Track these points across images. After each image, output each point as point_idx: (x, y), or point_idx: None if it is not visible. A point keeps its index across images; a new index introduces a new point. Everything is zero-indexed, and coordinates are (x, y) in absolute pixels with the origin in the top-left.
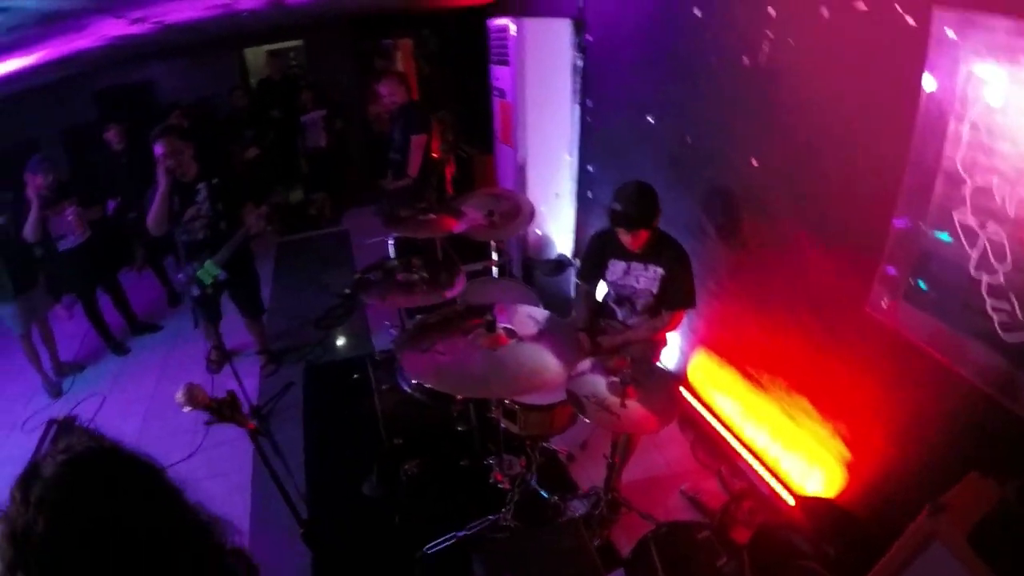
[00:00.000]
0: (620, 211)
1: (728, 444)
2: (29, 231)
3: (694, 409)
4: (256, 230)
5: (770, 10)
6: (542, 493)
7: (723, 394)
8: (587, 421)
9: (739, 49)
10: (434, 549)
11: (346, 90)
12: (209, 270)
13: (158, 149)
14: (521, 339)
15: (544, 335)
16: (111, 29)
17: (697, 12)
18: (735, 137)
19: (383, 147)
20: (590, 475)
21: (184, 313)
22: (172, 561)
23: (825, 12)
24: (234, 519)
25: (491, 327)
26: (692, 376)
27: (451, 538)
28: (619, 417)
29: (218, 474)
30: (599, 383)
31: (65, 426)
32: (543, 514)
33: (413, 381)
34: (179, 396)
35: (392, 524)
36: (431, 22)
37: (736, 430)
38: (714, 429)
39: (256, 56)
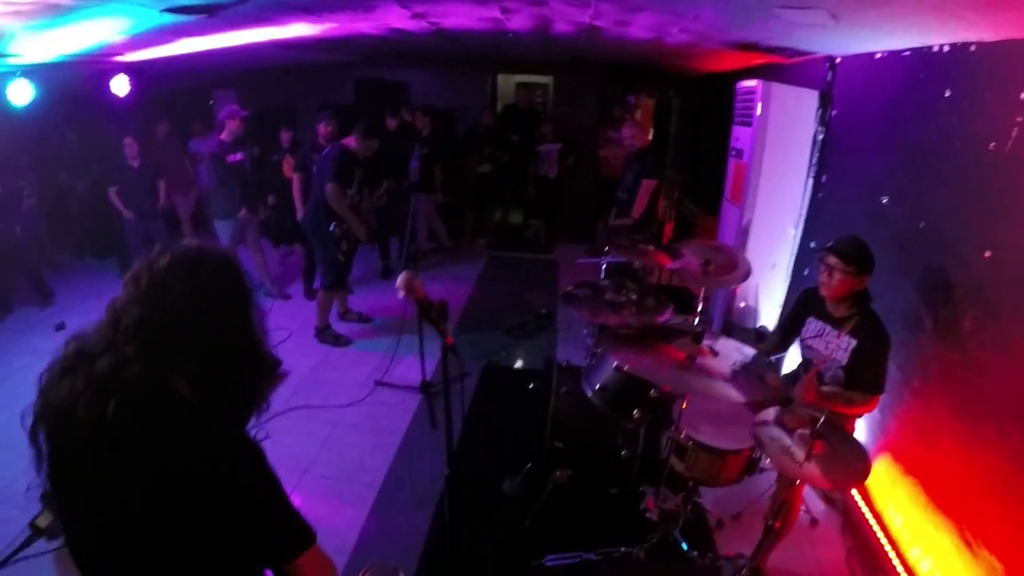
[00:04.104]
0: (832, 244)
1: (888, 561)
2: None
3: (862, 514)
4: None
5: (1022, 95)
6: (682, 544)
7: (897, 507)
8: (746, 492)
9: (985, 134)
10: (554, 563)
11: (584, 131)
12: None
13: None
14: (718, 354)
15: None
16: (392, 19)
17: (947, 92)
18: (970, 226)
19: (608, 190)
20: (734, 546)
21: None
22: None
23: None
24: (369, 471)
25: (698, 338)
26: (870, 480)
27: (576, 557)
28: (800, 466)
29: (369, 429)
30: (784, 435)
31: None
32: (677, 565)
33: (597, 386)
34: (400, 281)
35: (520, 528)
36: (677, 82)
37: (901, 549)
38: (877, 541)
39: (506, 84)
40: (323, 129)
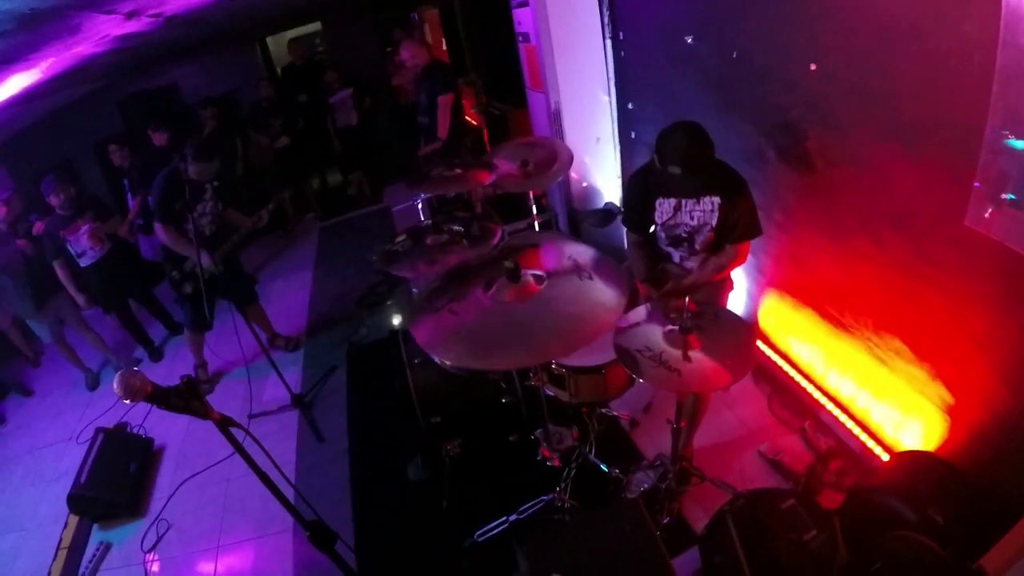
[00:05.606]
0: (680, 175)
1: (810, 396)
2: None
3: (768, 359)
4: (260, 224)
5: None
6: (602, 467)
7: (801, 340)
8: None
9: None
10: (484, 536)
11: (371, 66)
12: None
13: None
14: (552, 280)
15: (591, 278)
16: (108, 28)
17: None
18: (788, 42)
19: (413, 117)
20: (657, 442)
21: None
22: None
23: None
24: (277, 516)
25: (514, 275)
26: (764, 322)
27: (503, 523)
28: (680, 373)
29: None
30: (655, 333)
31: (113, 434)
32: (604, 490)
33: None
34: (115, 387)
35: (440, 509)
36: None
37: (818, 379)
38: (793, 380)
39: (279, 46)
40: (55, 200)
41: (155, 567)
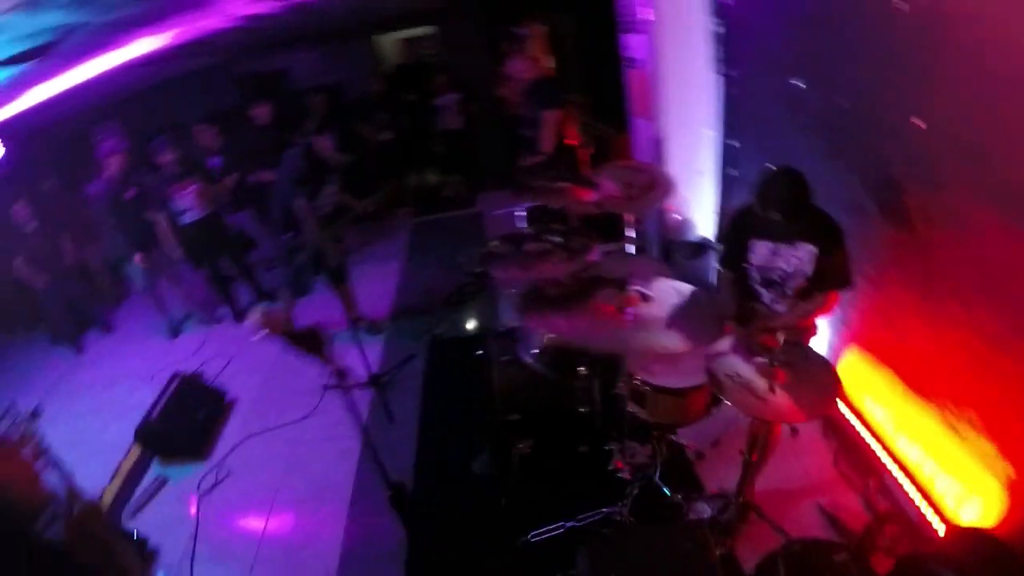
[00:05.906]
0: (781, 221)
1: (876, 457)
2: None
3: (840, 414)
4: (369, 210)
5: None
6: (664, 490)
7: (876, 399)
8: (720, 415)
9: None
10: (539, 537)
11: (480, 74)
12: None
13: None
14: (651, 298)
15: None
16: (236, 7)
17: None
18: (893, 95)
19: (516, 128)
20: (719, 477)
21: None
22: None
23: None
24: (337, 485)
25: (622, 286)
26: (841, 375)
27: (559, 527)
28: (765, 403)
29: (329, 437)
30: (743, 365)
31: (189, 380)
32: (663, 513)
33: (534, 350)
34: (254, 317)
35: (498, 506)
36: (565, 3)
37: (887, 441)
38: (861, 439)
39: (390, 44)
40: (166, 158)
41: (207, 510)
